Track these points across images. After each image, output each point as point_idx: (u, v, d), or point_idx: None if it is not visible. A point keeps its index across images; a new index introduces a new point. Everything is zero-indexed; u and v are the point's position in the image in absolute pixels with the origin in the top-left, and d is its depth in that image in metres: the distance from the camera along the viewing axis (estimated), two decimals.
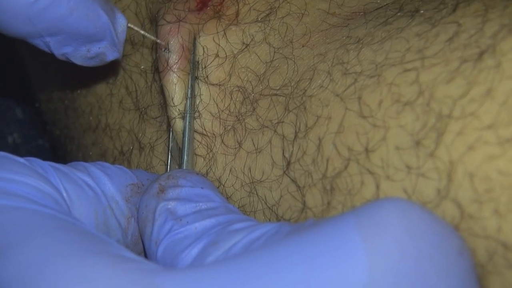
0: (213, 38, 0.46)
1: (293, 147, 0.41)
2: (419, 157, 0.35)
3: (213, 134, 0.45)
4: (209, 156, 0.45)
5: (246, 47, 0.45)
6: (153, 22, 0.47)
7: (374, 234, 0.30)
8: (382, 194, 0.36)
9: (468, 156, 0.34)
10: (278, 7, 0.46)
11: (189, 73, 0.45)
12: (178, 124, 0.45)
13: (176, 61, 0.45)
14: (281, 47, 0.44)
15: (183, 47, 0.45)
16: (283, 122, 0.42)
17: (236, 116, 0.44)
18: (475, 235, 0.34)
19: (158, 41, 0.45)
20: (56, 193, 0.36)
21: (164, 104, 0.46)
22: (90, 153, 0.53)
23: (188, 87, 0.45)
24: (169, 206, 0.38)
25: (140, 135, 0.49)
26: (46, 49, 0.43)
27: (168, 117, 0.46)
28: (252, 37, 0.45)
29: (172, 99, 0.45)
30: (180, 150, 0.45)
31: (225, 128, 0.45)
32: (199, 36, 0.46)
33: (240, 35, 0.46)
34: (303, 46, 0.44)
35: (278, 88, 0.43)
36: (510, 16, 0.36)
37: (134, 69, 0.50)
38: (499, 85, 0.34)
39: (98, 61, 0.45)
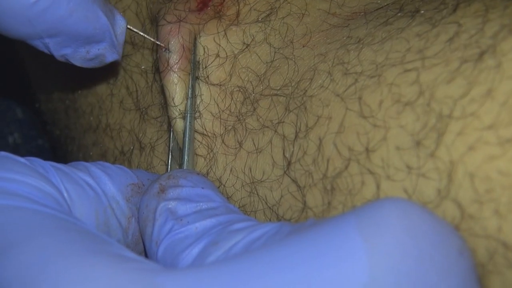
0: (214, 38, 0.46)
1: (293, 147, 0.41)
2: (419, 157, 0.35)
3: (214, 134, 0.45)
4: (210, 156, 0.45)
5: (246, 47, 0.45)
6: (154, 22, 0.47)
7: (375, 234, 0.30)
8: (383, 194, 0.36)
9: (468, 156, 0.34)
10: (279, 7, 0.46)
11: (189, 73, 0.45)
12: (179, 124, 0.45)
13: (177, 61, 0.45)
14: (282, 47, 0.44)
15: (183, 47, 0.45)
16: (283, 122, 0.42)
17: (237, 116, 0.44)
18: (475, 235, 0.34)
19: (157, 42, 0.45)
20: (57, 193, 0.36)
21: (165, 104, 0.46)
22: (91, 153, 0.53)
23: (188, 87, 0.45)
24: (170, 206, 0.38)
25: (141, 135, 0.49)
26: (45, 51, 0.43)
27: (168, 117, 0.46)
28: (252, 37, 0.45)
29: (172, 99, 0.45)
30: (181, 150, 0.45)
31: (225, 128, 0.45)
32: (200, 36, 0.46)
33: (241, 35, 0.46)
34: (303, 46, 0.44)
35: (278, 88, 0.43)
36: (511, 16, 0.36)
37: (135, 69, 0.50)
38: (499, 85, 0.34)
39: (98, 63, 0.45)
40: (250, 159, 0.43)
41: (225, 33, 0.46)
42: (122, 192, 0.40)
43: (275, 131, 0.42)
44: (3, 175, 0.35)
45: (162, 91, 0.46)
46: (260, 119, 0.43)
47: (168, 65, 0.45)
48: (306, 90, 0.41)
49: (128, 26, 0.45)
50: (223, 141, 0.45)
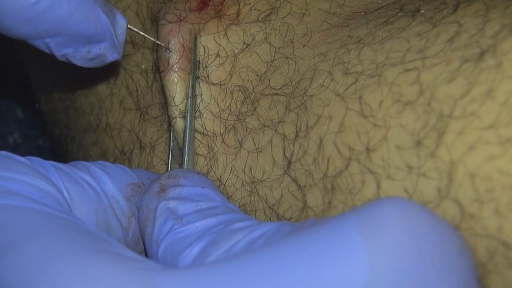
0: (214, 38, 0.46)
1: (294, 146, 0.41)
2: (419, 156, 0.35)
3: (214, 133, 0.45)
4: (210, 155, 0.45)
5: (247, 46, 0.45)
6: (154, 22, 0.47)
7: (375, 233, 0.30)
8: (383, 194, 0.36)
9: (468, 156, 0.34)
10: (279, 7, 0.46)
11: (190, 73, 0.45)
12: (179, 123, 0.45)
13: (177, 60, 0.45)
14: (282, 46, 0.44)
15: (184, 47, 0.45)
16: (284, 121, 0.42)
17: (237, 115, 0.44)
18: (475, 235, 0.34)
19: (158, 42, 0.45)
20: (57, 193, 0.36)
21: (165, 103, 0.46)
22: (91, 153, 0.53)
23: (189, 86, 0.45)
24: (170, 206, 0.38)
25: (141, 134, 0.49)
26: (46, 50, 0.43)
27: (169, 117, 0.46)
28: (253, 37, 0.45)
29: (173, 99, 0.45)
30: (181, 150, 0.45)
31: (225, 128, 0.45)
32: (200, 36, 0.46)
33: (241, 35, 0.46)
34: (304, 46, 0.44)
35: (279, 87, 0.43)
36: (511, 16, 0.36)
37: (135, 68, 0.50)
38: (500, 85, 0.34)
39: (98, 62, 0.45)
40: (250, 159, 0.43)
41: (226, 33, 0.46)
42: (122, 192, 0.40)
43: (276, 130, 0.42)
44: (3, 174, 0.35)
45: (163, 91, 0.46)
46: (261, 118, 0.43)
47: (168, 64, 0.45)
48: (307, 90, 0.41)
49: (129, 26, 0.45)
50: (223, 140, 0.45)
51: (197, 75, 0.46)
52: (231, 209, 0.38)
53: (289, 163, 0.41)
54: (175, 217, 0.37)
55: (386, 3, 0.43)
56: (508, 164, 0.33)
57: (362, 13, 0.44)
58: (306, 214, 0.40)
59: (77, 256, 0.30)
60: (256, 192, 0.42)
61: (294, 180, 0.40)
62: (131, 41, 0.49)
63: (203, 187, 0.39)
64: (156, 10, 0.47)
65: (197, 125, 0.45)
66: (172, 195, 0.38)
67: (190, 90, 0.45)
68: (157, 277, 0.30)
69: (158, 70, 0.46)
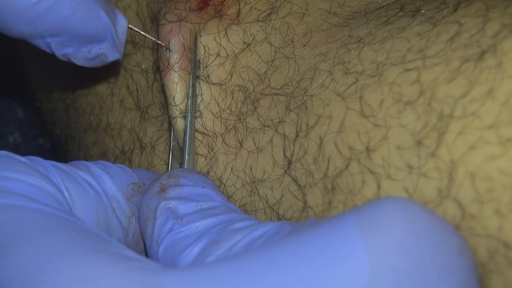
0: (214, 38, 0.46)
1: (294, 146, 0.41)
2: (420, 156, 0.35)
3: (214, 133, 0.45)
4: (210, 155, 0.45)
5: (247, 46, 0.45)
6: (154, 21, 0.47)
7: (375, 233, 0.30)
8: (383, 194, 0.36)
9: (469, 155, 0.34)
10: (279, 6, 0.46)
11: (190, 73, 0.45)
12: (179, 123, 0.45)
13: (177, 60, 0.45)
14: (282, 46, 0.44)
15: (184, 47, 0.45)
16: (284, 121, 0.42)
17: (237, 115, 0.44)
18: (476, 235, 0.34)
19: (158, 41, 0.45)
20: (58, 192, 0.36)
21: (165, 103, 0.46)
22: (91, 153, 0.53)
23: (189, 86, 0.45)
24: (170, 205, 0.38)
25: (141, 134, 0.49)
26: (47, 50, 0.43)
27: (169, 117, 0.46)
28: (253, 37, 0.45)
29: (173, 99, 0.45)
30: (181, 150, 0.45)
31: (226, 128, 0.45)
32: (200, 36, 0.46)
33: (241, 35, 0.46)
34: (304, 46, 0.44)
35: (279, 87, 0.43)
36: (511, 15, 0.36)
37: (135, 68, 0.50)
38: (500, 85, 0.34)
39: (99, 62, 0.45)
40: (250, 159, 0.43)
41: (226, 33, 0.46)
42: (123, 191, 0.40)
43: (276, 130, 0.42)
44: (4, 174, 0.35)
45: (163, 90, 0.46)
46: (261, 118, 0.43)
47: (168, 64, 0.45)
48: (307, 90, 0.41)
49: (129, 26, 0.45)
50: (223, 140, 0.45)
51: (197, 74, 0.46)
52: (231, 209, 0.38)
53: (290, 163, 0.41)
54: (176, 217, 0.37)
55: (386, 3, 0.43)
56: (509, 164, 0.33)
57: (363, 13, 0.44)
58: (306, 214, 0.40)
59: (77, 256, 0.30)
60: (256, 192, 0.42)
61: (295, 180, 0.40)
62: (132, 40, 0.49)
63: (203, 187, 0.39)
64: (156, 10, 0.47)
65: (198, 125, 0.45)
66: (173, 195, 0.38)
67: (190, 89, 0.45)
68: (158, 277, 0.30)
69: (159, 70, 0.46)
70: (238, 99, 0.45)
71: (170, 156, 0.46)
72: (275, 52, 0.44)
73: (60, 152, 0.62)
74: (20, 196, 0.34)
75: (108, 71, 0.51)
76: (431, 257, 0.30)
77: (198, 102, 0.45)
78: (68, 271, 0.30)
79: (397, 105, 0.37)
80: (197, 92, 0.45)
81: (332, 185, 0.38)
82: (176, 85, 0.45)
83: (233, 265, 0.30)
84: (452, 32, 0.37)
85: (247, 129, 0.44)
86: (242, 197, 0.43)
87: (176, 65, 0.45)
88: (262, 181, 0.42)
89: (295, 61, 0.43)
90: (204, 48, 0.46)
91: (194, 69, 0.46)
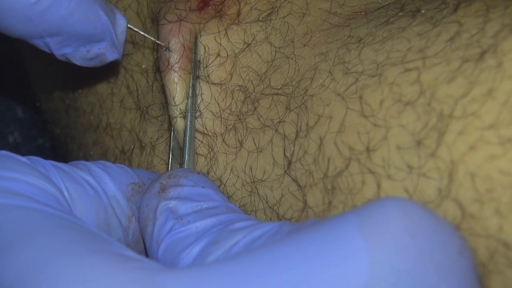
0: (215, 38, 0.46)
1: (294, 146, 0.41)
2: (420, 156, 0.35)
3: (214, 133, 0.45)
4: (210, 155, 0.45)
5: (247, 46, 0.45)
6: (155, 21, 0.47)
7: (375, 233, 0.30)
8: (383, 194, 0.36)
9: (469, 155, 0.34)
10: (280, 6, 0.46)
11: (190, 73, 0.45)
12: (179, 123, 0.45)
13: (177, 60, 0.45)
14: (283, 46, 0.44)
15: (184, 47, 0.45)
16: (284, 121, 0.42)
17: (237, 115, 0.44)
18: (476, 235, 0.34)
19: (158, 41, 0.45)
20: (58, 192, 0.36)
21: (165, 103, 0.46)
22: (91, 153, 0.53)
23: (189, 86, 0.45)
24: (170, 205, 0.38)
25: (141, 134, 0.49)
26: (46, 50, 0.43)
27: (169, 116, 0.46)
28: (253, 37, 0.45)
29: (173, 98, 0.45)
30: (181, 149, 0.45)
31: (226, 128, 0.45)
32: (201, 36, 0.46)
33: (242, 35, 0.46)
34: (304, 46, 0.44)
35: (279, 87, 0.43)
36: (511, 16, 0.36)
37: (135, 68, 0.50)
38: (500, 85, 0.34)
39: (98, 62, 0.45)
40: (250, 159, 0.43)
41: (226, 32, 0.46)
42: (123, 191, 0.40)
43: (276, 130, 0.42)
44: (4, 174, 0.35)
45: (163, 90, 0.46)
46: (261, 118, 0.43)
47: (168, 64, 0.45)
48: (307, 90, 0.41)
49: (129, 26, 0.45)
50: (223, 140, 0.45)
51: (197, 74, 0.46)
52: (231, 209, 0.38)
53: (290, 163, 0.41)
54: (176, 217, 0.37)
55: (386, 3, 0.43)
56: (509, 164, 0.33)
57: (363, 13, 0.44)
58: (306, 214, 0.40)
59: (77, 256, 0.30)
60: (256, 192, 0.42)
61: (295, 180, 0.40)
62: (132, 40, 0.49)
63: (203, 187, 0.39)
64: (156, 10, 0.47)
65: (198, 124, 0.45)
66: (173, 195, 0.38)
67: (190, 89, 0.45)
68: (158, 277, 0.30)
69: (159, 70, 0.46)
70: (238, 99, 0.45)
71: (170, 156, 0.46)
72: (275, 52, 0.44)
73: (60, 152, 0.62)
74: (20, 196, 0.34)
75: (108, 71, 0.51)
76: (431, 257, 0.30)
77: (198, 102, 0.45)
78: (68, 271, 0.30)
79: (397, 105, 0.37)
80: (197, 92, 0.45)
81: (332, 185, 0.38)
82: (176, 85, 0.45)
83: (233, 265, 0.30)
84: (452, 32, 0.37)
85: (247, 129, 0.44)
86: (242, 197, 0.43)
87: (176, 65, 0.45)
88: (262, 181, 0.42)
89: (295, 61, 0.43)
90: (204, 48, 0.46)
91: (194, 69, 0.46)
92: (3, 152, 0.37)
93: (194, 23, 0.46)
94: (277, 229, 0.33)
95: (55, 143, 0.63)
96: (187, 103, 0.45)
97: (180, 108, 0.45)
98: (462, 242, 0.31)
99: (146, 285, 0.29)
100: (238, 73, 0.45)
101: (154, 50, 0.48)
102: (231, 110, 0.45)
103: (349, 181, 0.38)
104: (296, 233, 0.31)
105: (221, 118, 0.45)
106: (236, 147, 0.44)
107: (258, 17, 0.46)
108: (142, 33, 0.46)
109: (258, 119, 0.43)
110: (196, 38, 0.46)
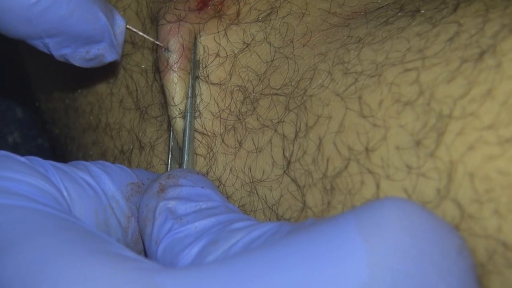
0: (214, 38, 0.46)
1: (293, 146, 0.41)
2: (419, 157, 0.35)
3: (214, 133, 0.45)
4: (210, 155, 0.45)
5: (247, 46, 0.45)
6: (154, 21, 0.47)
7: (375, 234, 0.30)
8: (382, 194, 0.36)
9: (468, 156, 0.34)
10: (279, 6, 0.46)
11: (189, 73, 0.45)
12: (179, 123, 0.45)
13: (177, 60, 0.45)
14: (282, 46, 0.44)
15: (183, 47, 0.45)
16: (283, 121, 0.42)
17: (237, 115, 0.44)
18: (475, 235, 0.34)
19: (157, 42, 0.45)
20: (57, 192, 0.36)
21: (165, 103, 0.46)
22: (91, 153, 0.53)
23: (188, 86, 0.45)
24: (170, 205, 0.38)
25: (141, 134, 0.49)
26: (45, 50, 0.43)
27: (168, 117, 0.46)
28: (253, 37, 0.45)
29: (172, 99, 0.45)
30: (181, 150, 0.45)
31: (225, 128, 0.45)
32: (200, 36, 0.46)
33: (241, 35, 0.46)
34: (303, 46, 0.44)
35: (278, 87, 0.43)
36: (511, 16, 0.36)
37: (135, 68, 0.50)
38: (499, 85, 0.34)
39: (97, 63, 0.45)
40: (250, 159, 0.43)
41: (225, 33, 0.46)
42: (122, 191, 0.40)
43: (275, 130, 0.42)
44: (3, 174, 0.35)
45: (162, 91, 0.46)
46: (260, 118, 0.43)
47: (168, 64, 0.45)
48: (306, 90, 0.41)
49: (128, 26, 0.45)
50: (223, 140, 0.45)
51: (196, 75, 0.46)
52: (230, 209, 0.38)
53: (289, 163, 0.41)
54: (175, 217, 0.37)
55: (386, 3, 0.43)
56: (508, 164, 0.33)
57: (362, 13, 0.44)
58: (305, 214, 0.40)
59: (77, 256, 0.30)
60: (255, 192, 0.42)
61: (294, 180, 0.40)
62: (131, 40, 0.49)
63: (202, 187, 0.39)
64: (156, 10, 0.47)
65: (197, 125, 0.45)
66: (172, 195, 0.38)
67: (189, 90, 0.45)
68: (157, 277, 0.30)
69: (158, 70, 0.46)
70: (238, 99, 0.45)
71: (170, 156, 0.46)
72: (275, 52, 0.44)
73: (59, 152, 0.62)
74: (20, 196, 0.34)
75: (107, 71, 0.51)
76: (430, 257, 0.30)
77: (198, 102, 0.45)
78: (67, 271, 0.30)
79: (396, 105, 0.37)
80: (197, 92, 0.46)
81: (331, 185, 0.38)
82: (176, 85, 0.45)
83: (232, 265, 0.30)
84: (452, 32, 0.37)
85: (246, 129, 0.44)
86: (241, 197, 0.43)
87: (175, 65, 0.45)
88: (261, 181, 0.42)
89: (294, 61, 0.43)
90: (204, 48, 0.46)
91: (194, 69, 0.46)
92: (3, 152, 0.37)
93: (193, 23, 0.46)
94: (276, 229, 0.33)
95: (55, 143, 0.63)
96: (186, 103, 0.45)
97: (179, 108, 0.45)
98: (461, 242, 0.31)
99: (146, 285, 0.29)
100: (238, 73, 0.45)
101: (153, 51, 0.48)
102: (230, 110, 0.45)
103: (348, 181, 0.38)
104: (295, 233, 0.31)
105: (220, 118, 0.45)
106: (235, 147, 0.44)
107: (258, 17, 0.46)
108: (141, 33, 0.46)
109: (257, 119, 0.43)
110: (195, 38, 0.46)
